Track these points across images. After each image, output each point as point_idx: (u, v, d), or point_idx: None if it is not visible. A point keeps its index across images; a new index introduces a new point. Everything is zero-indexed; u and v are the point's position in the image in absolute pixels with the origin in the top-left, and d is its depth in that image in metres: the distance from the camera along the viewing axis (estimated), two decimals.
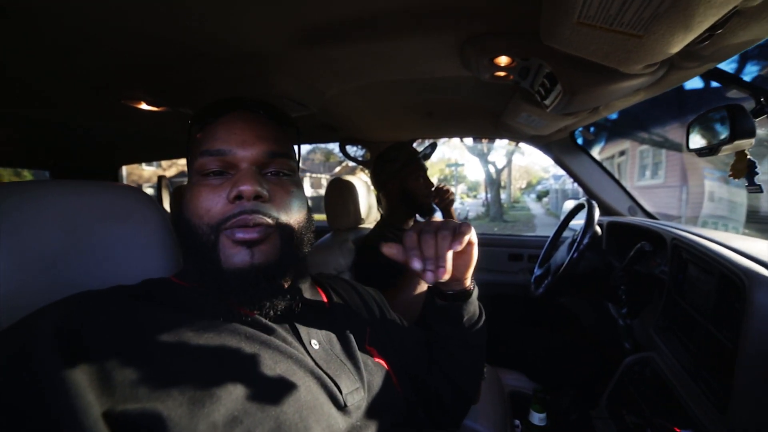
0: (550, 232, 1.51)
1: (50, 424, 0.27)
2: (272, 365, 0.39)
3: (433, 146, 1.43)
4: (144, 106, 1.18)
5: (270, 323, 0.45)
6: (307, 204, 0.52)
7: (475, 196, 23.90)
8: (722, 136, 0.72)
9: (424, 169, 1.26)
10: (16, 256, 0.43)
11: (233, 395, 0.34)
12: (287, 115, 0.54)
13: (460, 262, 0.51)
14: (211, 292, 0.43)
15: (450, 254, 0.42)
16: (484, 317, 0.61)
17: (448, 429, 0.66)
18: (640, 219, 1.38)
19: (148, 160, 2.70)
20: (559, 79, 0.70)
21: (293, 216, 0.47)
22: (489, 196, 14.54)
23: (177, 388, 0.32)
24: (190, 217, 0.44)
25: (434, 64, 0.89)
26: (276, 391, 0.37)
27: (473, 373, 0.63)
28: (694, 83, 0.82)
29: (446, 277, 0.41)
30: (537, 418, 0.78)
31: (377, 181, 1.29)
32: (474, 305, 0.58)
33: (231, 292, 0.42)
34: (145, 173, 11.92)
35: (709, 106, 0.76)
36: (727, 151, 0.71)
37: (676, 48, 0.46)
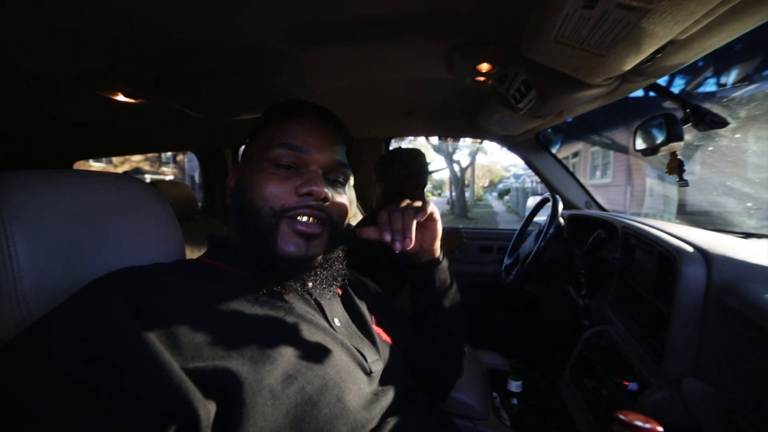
0: (513, 228, 1.65)
1: (137, 376, 0.30)
2: (310, 335, 0.44)
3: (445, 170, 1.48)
4: (120, 97, 1.14)
5: (301, 301, 0.49)
6: None
7: (439, 194, 24.49)
8: (660, 140, 0.86)
9: (425, 184, 1.32)
10: (38, 243, 0.43)
11: (285, 357, 0.38)
12: (347, 128, 0.59)
13: (426, 235, 0.60)
14: (259, 272, 0.47)
15: (414, 226, 0.51)
16: (455, 286, 0.69)
17: (439, 399, 0.74)
18: (595, 211, 1.56)
19: (107, 155, 2.54)
20: (534, 86, 0.80)
21: (342, 220, 0.53)
22: (454, 194, 14.96)
23: (236, 350, 0.36)
24: (255, 198, 0.47)
25: (421, 66, 0.96)
26: (318, 355, 0.42)
27: (454, 342, 0.71)
28: (639, 93, 0.95)
29: (411, 245, 0.49)
30: (514, 385, 0.89)
31: (381, 174, 1.32)
32: (444, 273, 0.66)
33: (280, 274, 0.46)
34: (93, 168, 10.98)
35: (650, 114, 0.90)
36: (663, 151, 0.85)
37: (628, 66, 0.56)
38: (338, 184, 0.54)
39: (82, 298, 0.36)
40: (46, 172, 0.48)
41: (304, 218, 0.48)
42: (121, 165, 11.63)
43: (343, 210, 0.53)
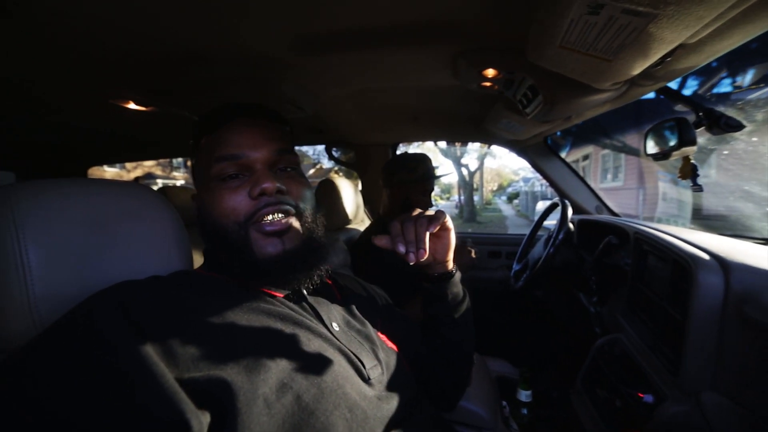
0: (522, 232, 1.63)
1: (129, 388, 0.31)
2: (306, 342, 0.44)
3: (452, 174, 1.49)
4: (132, 105, 1.17)
5: (296, 307, 0.49)
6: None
7: (448, 198, 24.37)
8: (672, 144, 0.84)
9: (432, 190, 1.32)
10: (49, 252, 0.44)
11: (280, 365, 0.38)
12: (281, 115, 0.58)
13: (439, 245, 0.59)
14: (245, 280, 0.47)
15: (427, 237, 0.50)
16: (468, 299, 0.68)
17: (445, 409, 0.73)
18: (606, 216, 1.53)
19: (119, 161, 2.62)
20: (540, 91, 0.79)
21: (308, 203, 0.52)
22: (462, 198, 14.87)
23: (231, 360, 0.36)
24: (217, 217, 0.48)
25: (426, 73, 0.96)
26: (314, 363, 0.42)
27: (464, 355, 0.69)
28: (651, 95, 0.92)
29: (425, 256, 0.49)
30: (524, 395, 0.87)
31: (387, 180, 1.32)
32: (457, 286, 0.66)
33: (268, 276, 0.46)
34: (107, 174, 11.28)
35: (662, 117, 0.88)
36: (675, 156, 0.83)
37: (636, 71, 0.55)
38: (288, 170, 0.53)
39: (80, 311, 0.36)
40: (55, 181, 0.49)
41: (269, 217, 0.47)
42: (133, 170, 11.91)
43: (303, 192, 0.52)
